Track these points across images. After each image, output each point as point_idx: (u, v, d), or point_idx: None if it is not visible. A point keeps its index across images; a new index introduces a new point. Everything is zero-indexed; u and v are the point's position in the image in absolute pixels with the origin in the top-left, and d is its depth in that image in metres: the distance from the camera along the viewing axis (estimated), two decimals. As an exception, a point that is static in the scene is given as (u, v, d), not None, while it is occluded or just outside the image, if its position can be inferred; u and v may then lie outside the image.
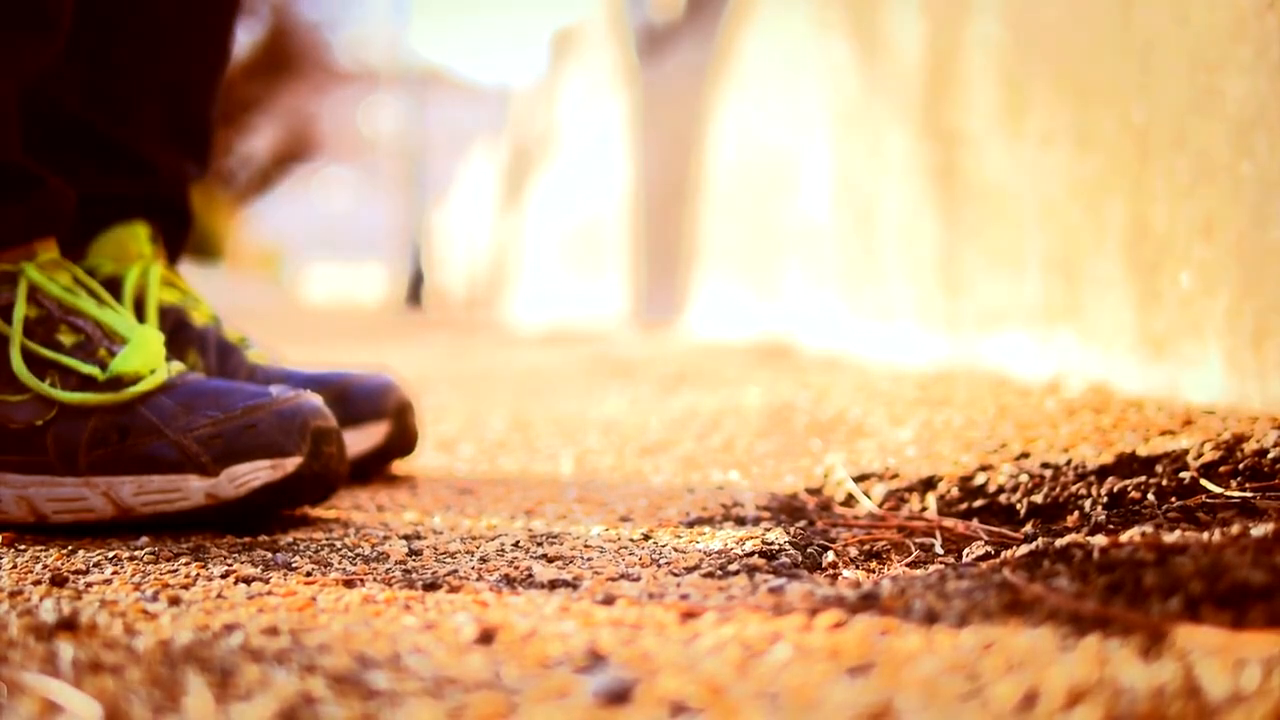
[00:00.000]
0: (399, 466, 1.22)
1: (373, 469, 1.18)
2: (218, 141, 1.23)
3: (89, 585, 0.71)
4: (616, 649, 0.57)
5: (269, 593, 0.69)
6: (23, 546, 0.84)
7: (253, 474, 0.86)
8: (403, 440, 1.16)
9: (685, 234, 3.49)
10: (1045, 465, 0.97)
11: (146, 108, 1.10)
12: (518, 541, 0.84)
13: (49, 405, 0.88)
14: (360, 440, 1.12)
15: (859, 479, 1.05)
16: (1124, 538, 0.69)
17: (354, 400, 1.12)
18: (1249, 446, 0.89)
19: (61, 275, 0.94)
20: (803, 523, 0.93)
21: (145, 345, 0.91)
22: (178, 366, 0.93)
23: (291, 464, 0.87)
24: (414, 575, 0.74)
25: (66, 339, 0.90)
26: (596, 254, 4.88)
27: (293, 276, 23.64)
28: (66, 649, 0.56)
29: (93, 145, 1.09)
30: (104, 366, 0.89)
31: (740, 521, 0.92)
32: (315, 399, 0.91)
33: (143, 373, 0.89)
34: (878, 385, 1.60)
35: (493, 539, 0.86)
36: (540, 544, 0.84)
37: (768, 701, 0.48)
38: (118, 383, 0.89)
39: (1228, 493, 0.83)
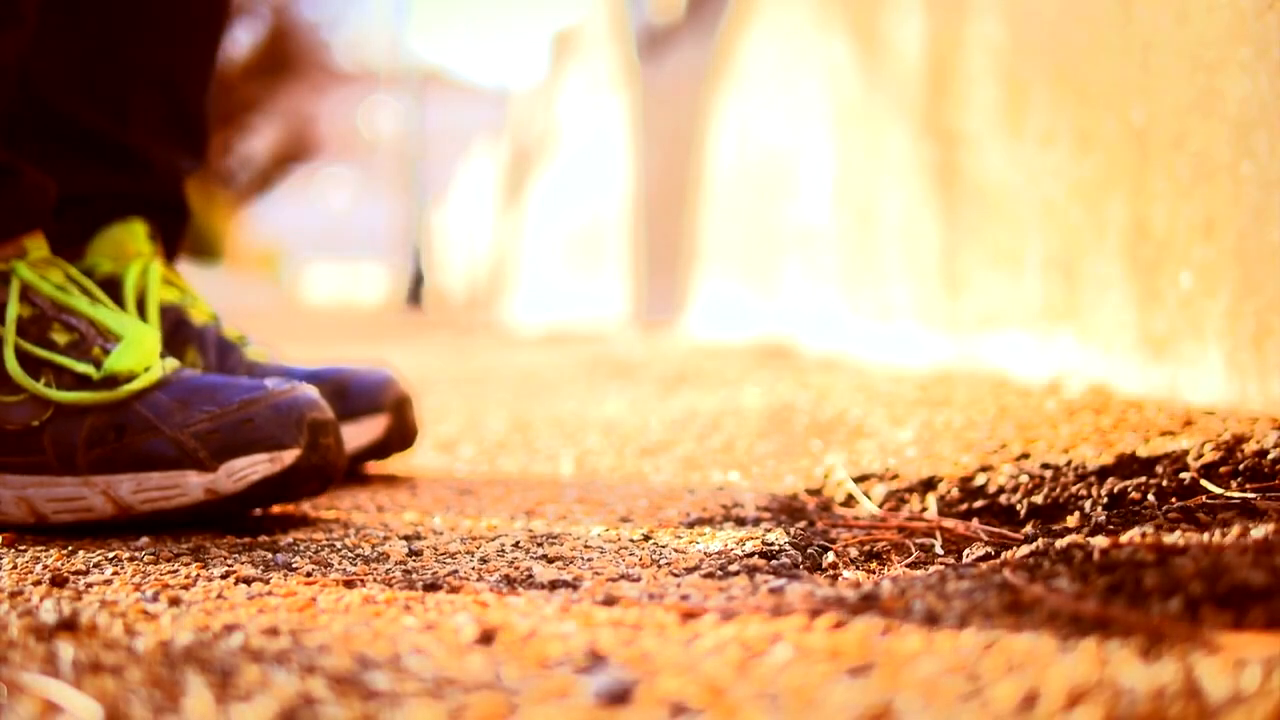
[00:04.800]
0: (399, 466, 1.22)
1: (372, 464, 1.18)
2: (217, 141, 1.24)
3: (89, 586, 0.71)
4: (617, 649, 0.57)
5: (269, 593, 0.69)
6: (23, 547, 0.83)
7: (251, 468, 0.86)
8: (402, 434, 1.16)
9: (685, 234, 3.49)
10: (1045, 466, 0.97)
11: (140, 104, 1.10)
12: (518, 542, 0.84)
13: (45, 405, 0.88)
14: (359, 434, 1.12)
15: (859, 479, 1.05)
16: (1124, 538, 0.69)
17: (353, 395, 1.12)
18: (1249, 447, 0.89)
19: (53, 273, 0.93)
20: (803, 523, 0.93)
21: (139, 342, 0.91)
22: (172, 363, 0.92)
23: (289, 456, 0.87)
24: (414, 576, 0.74)
25: (60, 338, 0.90)
26: (596, 254, 4.88)
27: (292, 277, 23.64)
28: (66, 649, 0.56)
29: (87, 143, 1.08)
30: (98, 365, 0.89)
31: (740, 522, 0.92)
32: (311, 391, 0.90)
33: (137, 370, 0.89)
34: (878, 386, 1.60)
35: (493, 539, 0.86)
36: (540, 544, 0.84)
37: (768, 702, 0.48)
38: (113, 381, 0.88)
39: (1228, 493, 0.83)
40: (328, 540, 0.86)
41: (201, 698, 0.50)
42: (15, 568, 0.77)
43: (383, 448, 1.15)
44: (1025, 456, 1.01)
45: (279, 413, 0.87)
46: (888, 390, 1.53)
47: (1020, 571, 0.64)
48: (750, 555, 0.79)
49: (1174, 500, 0.84)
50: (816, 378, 1.81)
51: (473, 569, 0.76)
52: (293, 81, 18.37)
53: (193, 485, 0.86)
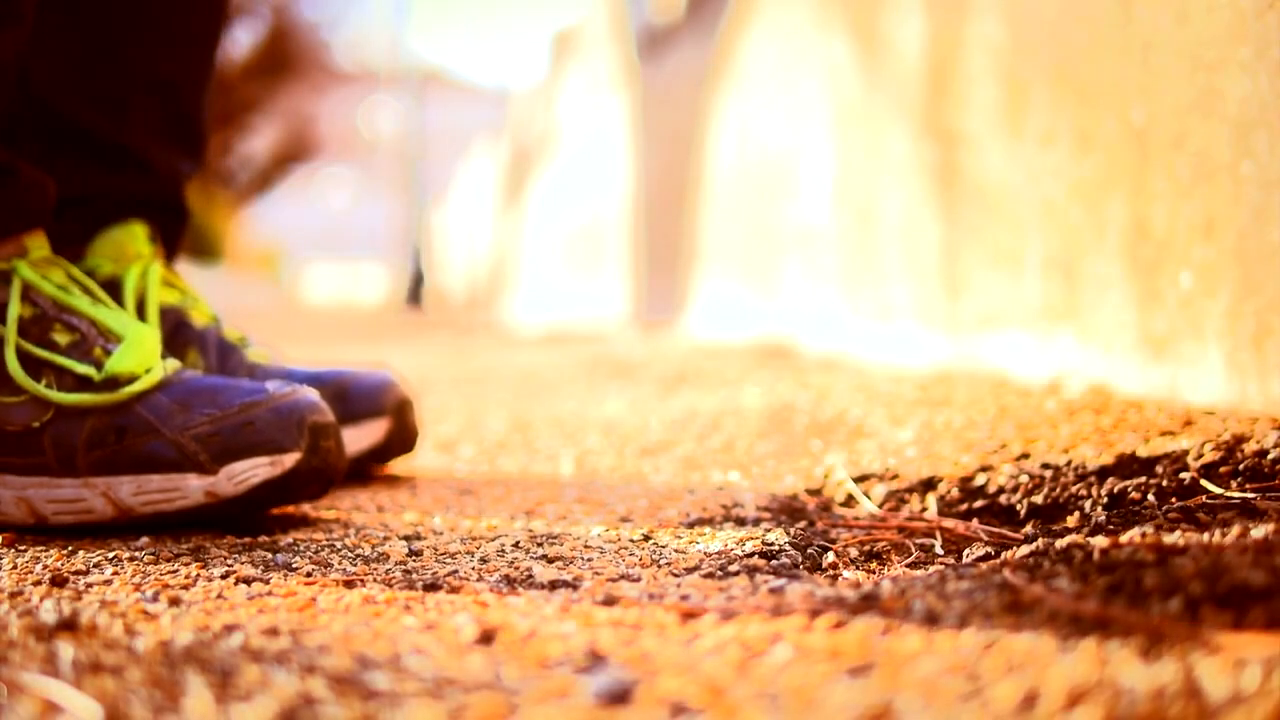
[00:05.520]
0: (399, 467, 1.22)
1: (373, 467, 1.18)
2: (217, 141, 1.24)
3: (89, 586, 0.71)
4: (616, 649, 0.57)
5: (269, 593, 0.69)
6: (23, 547, 0.83)
7: (251, 471, 0.86)
8: (403, 437, 1.16)
9: (685, 234, 3.49)
10: (1045, 466, 0.97)
11: (139, 105, 1.10)
12: (518, 542, 0.84)
13: (46, 407, 0.88)
14: (360, 438, 1.12)
15: (859, 480, 1.05)
16: (1124, 538, 0.69)
17: (353, 398, 1.12)
18: (1249, 447, 0.89)
19: (55, 273, 0.93)
20: (803, 523, 0.93)
21: (140, 343, 0.90)
22: (173, 364, 0.92)
23: (290, 460, 0.87)
24: (414, 576, 0.74)
25: (61, 338, 0.90)
26: (596, 254, 4.88)
27: (292, 276, 23.65)
28: (66, 649, 0.56)
29: (87, 145, 1.08)
30: (100, 366, 0.89)
31: (740, 522, 0.92)
32: (312, 394, 0.90)
33: (138, 371, 0.89)
34: (878, 386, 1.60)
35: (493, 539, 0.86)
36: (540, 544, 0.84)
37: (768, 702, 0.48)
38: (114, 382, 0.88)
39: (1228, 493, 0.83)
40: (328, 540, 0.86)
41: (201, 698, 0.50)
42: (15, 568, 0.77)
43: (383, 451, 1.15)
44: (1025, 456, 1.01)
45: (280, 416, 0.87)
46: (888, 390, 1.53)
47: (1020, 571, 0.64)
48: (750, 555, 0.79)
49: (1174, 500, 0.84)
50: (816, 378, 1.81)
51: (473, 569, 0.76)
52: (293, 81, 18.36)
53: (193, 488, 0.86)
